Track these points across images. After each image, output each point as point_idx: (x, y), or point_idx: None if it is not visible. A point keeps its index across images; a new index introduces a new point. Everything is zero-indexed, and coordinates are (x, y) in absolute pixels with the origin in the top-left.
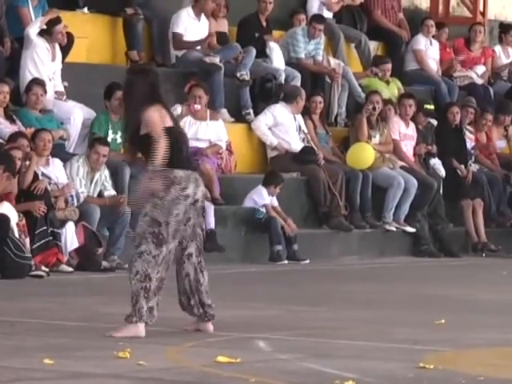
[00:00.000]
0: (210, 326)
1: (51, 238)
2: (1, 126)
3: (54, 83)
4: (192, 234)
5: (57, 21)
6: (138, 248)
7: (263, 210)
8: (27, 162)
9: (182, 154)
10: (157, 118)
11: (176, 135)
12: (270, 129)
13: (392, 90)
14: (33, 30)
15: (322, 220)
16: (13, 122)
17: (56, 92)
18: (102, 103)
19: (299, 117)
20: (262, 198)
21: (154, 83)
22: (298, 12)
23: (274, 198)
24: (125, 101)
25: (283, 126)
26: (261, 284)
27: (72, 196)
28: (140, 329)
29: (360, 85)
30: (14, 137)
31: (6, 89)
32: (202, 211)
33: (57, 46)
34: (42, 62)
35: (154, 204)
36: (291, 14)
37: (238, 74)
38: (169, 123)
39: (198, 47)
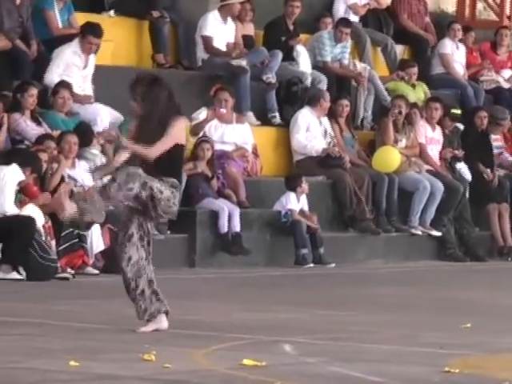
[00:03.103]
0: None
1: (77, 240)
2: (27, 128)
3: (83, 87)
4: None
5: (93, 31)
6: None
7: (289, 213)
8: (55, 165)
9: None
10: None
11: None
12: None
13: (418, 93)
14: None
15: (348, 224)
16: (39, 124)
17: (84, 96)
18: (127, 106)
19: (325, 120)
20: (290, 202)
21: (170, 93)
22: (324, 16)
23: (305, 201)
24: (146, 110)
25: (310, 132)
26: (286, 287)
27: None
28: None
29: (386, 88)
30: (41, 139)
31: (35, 92)
32: None
33: (92, 54)
34: (70, 72)
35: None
36: (317, 17)
37: (264, 77)
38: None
39: (225, 49)
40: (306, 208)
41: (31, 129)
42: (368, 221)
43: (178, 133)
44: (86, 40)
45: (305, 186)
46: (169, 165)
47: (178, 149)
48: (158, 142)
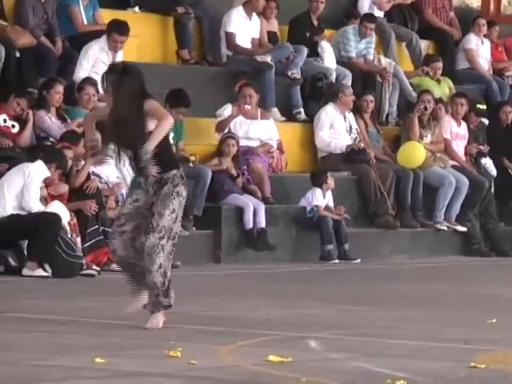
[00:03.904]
0: None
1: (102, 237)
2: (53, 125)
3: None
4: None
5: (120, 29)
6: (161, 240)
7: (315, 209)
8: (82, 162)
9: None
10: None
11: None
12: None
13: (443, 89)
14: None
15: (373, 219)
16: (64, 121)
17: None
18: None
19: (350, 116)
20: (316, 198)
21: (142, 82)
22: (352, 15)
23: (331, 197)
24: (120, 100)
25: (334, 129)
26: (312, 283)
27: (122, 195)
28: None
29: (411, 84)
30: (67, 136)
31: (61, 89)
32: None
33: (119, 52)
34: (97, 69)
35: (180, 202)
36: (347, 14)
37: (289, 73)
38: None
39: (250, 46)
40: (331, 204)
41: (57, 126)
42: (388, 216)
43: (157, 105)
44: (111, 38)
45: (330, 181)
46: (167, 154)
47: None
48: (142, 132)
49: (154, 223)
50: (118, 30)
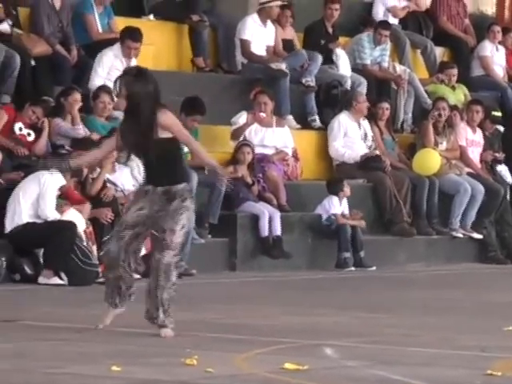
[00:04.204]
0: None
1: None
2: (70, 131)
3: None
4: None
5: (133, 35)
6: (175, 257)
7: (332, 217)
8: (98, 170)
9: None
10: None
11: None
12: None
13: (458, 96)
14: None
15: (388, 227)
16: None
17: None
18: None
19: (365, 123)
20: (333, 206)
21: (157, 86)
22: (368, 22)
23: (347, 205)
24: (134, 102)
25: (348, 137)
26: (328, 291)
27: None
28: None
29: (426, 91)
30: (82, 144)
31: (79, 97)
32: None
33: (133, 59)
34: (112, 77)
35: (188, 217)
36: (362, 22)
37: (304, 80)
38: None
39: (264, 54)
40: (346, 212)
41: (76, 133)
42: (404, 223)
43: (177, 122)
44: (125, 45)
45: (347, 189)
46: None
47: (174, 142)
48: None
49: (168, 240)
50: (132, 36)
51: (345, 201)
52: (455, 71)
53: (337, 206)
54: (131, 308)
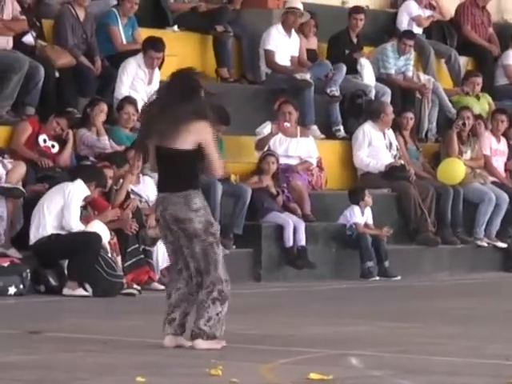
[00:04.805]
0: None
1: (143, 256)
2: (96, 142)
3: None
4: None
5: (154, 45)
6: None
7: (354, 226)
8: (121, 181)
9: None
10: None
11: None
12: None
13: (483, 105)
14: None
15: (413, 236)
16: (105, 140)
17: None
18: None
19: (390, 133)
20: (355, 215)
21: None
22: (393, 31)
23: (370, 214)
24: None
25: (373, 146)
26: (352, 300)
27: None
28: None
29: (450, 100)
30: (114, 158)
31: (105, 108)
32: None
33: (156, 69)
34: (136, 87)
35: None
36: (388, 32)
37: (328, 90)
38: None
39: (289, 64)
40: (370, 221)
41: (101, 144)
42: (428, 232)
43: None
44: (147, 55)
45: (368, 199)
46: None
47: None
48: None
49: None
50: (154, 46)
51: (368, 210)
52: (479, 80)
53: (358, 216)
54: (156, 319)
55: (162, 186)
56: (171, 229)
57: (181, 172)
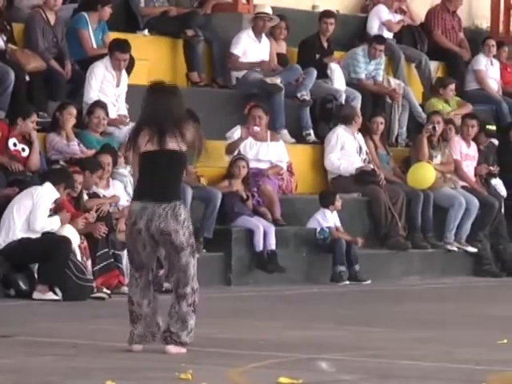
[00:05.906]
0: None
1: (112, 260)
2: (65, 147)
3: (118, 107)
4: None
5: (120, 47)
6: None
7: (326, 229)
8: (94, 187)
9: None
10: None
11: None
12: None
13: (453, 107)
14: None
15: (383, 240)
16: (75, 144)
17: (119, 115)
18: None
19: (360, 137)
20: (327, 219)
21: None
22: (363, 35)
23: (337, 219)
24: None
25: (344, 150)
26: (323, 305)
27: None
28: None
29: (421, 105)
30: (87, 163)
31: (74, 111)
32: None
33: (123, 71)
34: (104, 90)
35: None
36: (359, 37)
37: (299, 95)
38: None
39: (258, 68)
40: (338, 224)
41: (71, 149)
42: (399, 237)
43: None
44: (114, 57)
45: (338, 203)
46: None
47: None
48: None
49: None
50: (120, 48)
51: (335, 214)
52: (453, 86)
53: (331, 220)
54: (126, 323)
55: (143, 194)
56: (155, 240)
57: (171, 178)
